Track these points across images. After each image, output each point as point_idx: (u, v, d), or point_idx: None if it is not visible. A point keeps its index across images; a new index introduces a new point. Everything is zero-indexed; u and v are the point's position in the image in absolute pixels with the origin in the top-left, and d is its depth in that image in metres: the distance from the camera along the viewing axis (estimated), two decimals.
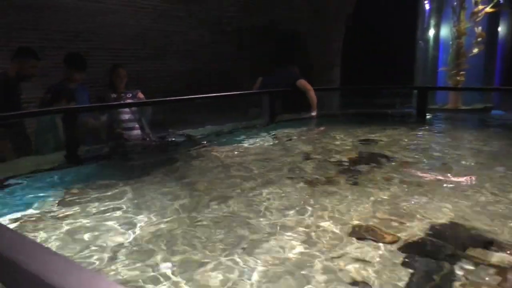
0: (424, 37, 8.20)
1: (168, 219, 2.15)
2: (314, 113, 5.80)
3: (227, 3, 6.46)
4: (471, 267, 1.57)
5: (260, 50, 6.87)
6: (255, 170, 3.11)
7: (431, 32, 8.09)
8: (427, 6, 8.14)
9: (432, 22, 8.06)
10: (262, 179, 2.85)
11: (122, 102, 4.70)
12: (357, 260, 1.65)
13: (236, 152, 3.86)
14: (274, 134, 4.80)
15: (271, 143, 4.30)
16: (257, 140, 4.49)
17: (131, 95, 4.82)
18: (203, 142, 4.44)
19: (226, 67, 6.70)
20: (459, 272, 1.54)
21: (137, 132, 4.83)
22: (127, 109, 4.75)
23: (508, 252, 1.68)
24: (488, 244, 1.75)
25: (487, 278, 1.50)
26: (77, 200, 2.49)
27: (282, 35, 6.89)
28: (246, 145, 4.26)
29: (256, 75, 6.10)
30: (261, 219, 2.10)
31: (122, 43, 6.06)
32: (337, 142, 4.20)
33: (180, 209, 2.29)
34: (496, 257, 1.64)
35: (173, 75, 6.50)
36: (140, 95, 4.90)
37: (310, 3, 7.45)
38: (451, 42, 7.62)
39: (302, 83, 5.78)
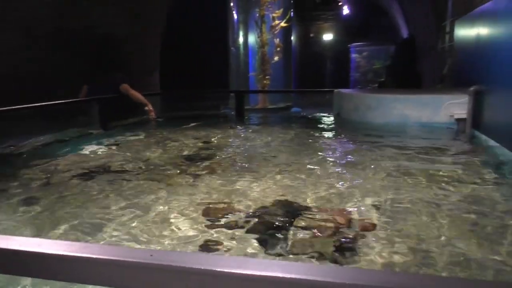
0: (235, 45, 9.09)
1: None
2: (149, 107, 5.96)
3: (37, 4, 5.91)
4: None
5: (78, 55, 6.54)
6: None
7: (241, 40, 9.03)
8: (235, 17, 9.05)
9: (241, 32, 9.02)
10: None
11: None
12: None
13: (58, 163, 3.82)
14: (102, 142, 4.85)
15: (99, 151, 4.38)
16: (85, 149, 4.47)
17: None
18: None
19: (40, 73, 6.11)
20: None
21: None
22: None
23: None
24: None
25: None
26: None
27: (101, 40, 6.78)
28: (71, 154, 4.25)
29: (75, 81, 5.87)
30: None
31: None
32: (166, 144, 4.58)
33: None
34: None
35: None
36: None
37: (127, 9, 7.46)
38: (257, 50, 8.75)
39: (124, 87, 5.89)
